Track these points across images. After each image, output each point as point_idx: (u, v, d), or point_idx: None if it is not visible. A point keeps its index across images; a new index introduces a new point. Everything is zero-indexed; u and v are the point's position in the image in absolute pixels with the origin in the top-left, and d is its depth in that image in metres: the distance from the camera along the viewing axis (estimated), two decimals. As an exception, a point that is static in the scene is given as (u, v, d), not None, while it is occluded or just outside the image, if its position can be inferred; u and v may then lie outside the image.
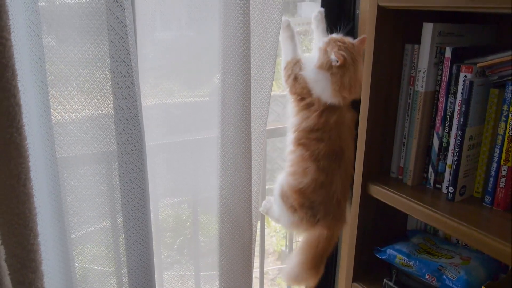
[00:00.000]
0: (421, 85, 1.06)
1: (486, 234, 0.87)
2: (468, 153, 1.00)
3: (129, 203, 1.08)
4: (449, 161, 1.03)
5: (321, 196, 1.19)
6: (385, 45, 1.06)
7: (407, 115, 1.11)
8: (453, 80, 1.01)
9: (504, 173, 0.94)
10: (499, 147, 0.95)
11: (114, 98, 1.01)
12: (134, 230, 1.11)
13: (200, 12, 1.13)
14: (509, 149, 0.93)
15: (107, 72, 0.99)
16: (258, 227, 1.41)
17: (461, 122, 0.99)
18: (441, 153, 1.06)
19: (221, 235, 1.28)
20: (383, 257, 1.16)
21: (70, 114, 1.01)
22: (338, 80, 1.13)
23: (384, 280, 1.18)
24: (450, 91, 1.02)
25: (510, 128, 0.92)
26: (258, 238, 1.42)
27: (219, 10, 1.10)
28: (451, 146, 1.03)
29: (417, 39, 1.05)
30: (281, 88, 1.49)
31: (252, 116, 1.21)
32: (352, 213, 1.18)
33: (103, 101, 1.01)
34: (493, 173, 0.96)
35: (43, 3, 0.92)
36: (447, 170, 1.04)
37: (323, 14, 1.25)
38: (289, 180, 1.22)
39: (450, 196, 1.02)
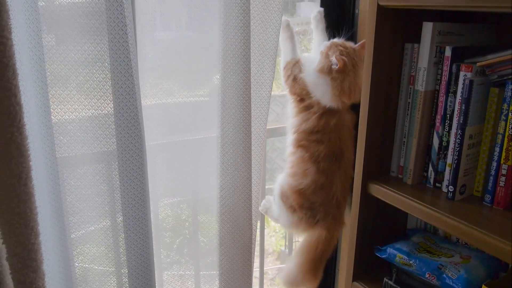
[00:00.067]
0: (421, 84, 1.06)
1: (486, 233, 0.87)
2: (468, 152, 1.00)
3: (129, 203, 1.08)
4: (449, 160, 1.03)
5: (321, 198, 1.20)
6: (385, 45, 1.06)
7: (407, 114, 1.11)
8: (453, 79, 1.01)
9: (504, 172, 0.94)
10: (499, 146, 0.95)
11: (114, 97, 1.01)
12: (134, 230, 1.11)
13: (200, 12, 1.13)
14: (509, 148, 0.93)
15: (107, 72, 0.99)
16: (258, 227, 1.41)
17: (461, 121, 0.99)
18: (441, 152, 1.06)
19: (221, 235, 1.28)
20: (383, 256, 1.16)
21: (70, 113, 1.01)
22: (338, 85, 1.13)
23: (384, 279, 1.18)
24: (450, 90, 1.02)
25: (510, 127, 0.92)
26: (258, 238, 1.42)
27: (219, 10, 1.10)
28: (451, 145, 1.03)
29: (417, 39, 1.05)
30: (280, 88, 1.49)
31: (252, 116, 1.21)
32: (352, 212, 1.18)
33: (103, 101, 1.01)
34: (493, 172, 0.97)
35: (43, 3, 0.92)
36: (447, 169, 1.04)
37: (323, 14, 1.25)
38: (289, 181, 1.22)
39: (450, 195, 1.02)
